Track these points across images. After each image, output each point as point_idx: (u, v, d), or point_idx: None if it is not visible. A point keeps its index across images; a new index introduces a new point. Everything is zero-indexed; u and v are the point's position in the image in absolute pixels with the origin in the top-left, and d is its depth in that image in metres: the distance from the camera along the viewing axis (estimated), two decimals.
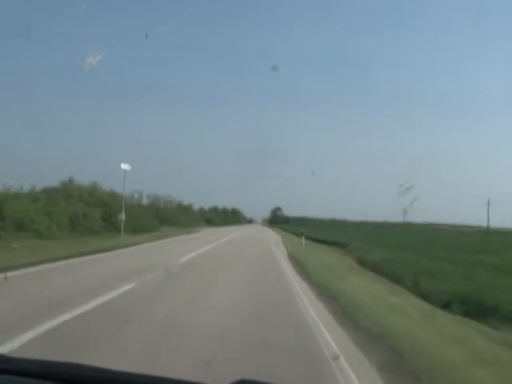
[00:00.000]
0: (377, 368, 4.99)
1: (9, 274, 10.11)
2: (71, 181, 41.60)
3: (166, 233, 43.54)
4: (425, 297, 10.36)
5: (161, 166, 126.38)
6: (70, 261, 14.59)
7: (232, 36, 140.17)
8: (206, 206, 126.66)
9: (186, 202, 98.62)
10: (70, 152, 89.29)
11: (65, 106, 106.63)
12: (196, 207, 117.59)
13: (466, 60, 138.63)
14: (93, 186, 44.38)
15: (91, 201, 38.78)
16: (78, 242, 24.94)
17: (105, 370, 1.72)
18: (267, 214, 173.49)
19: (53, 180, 40.93)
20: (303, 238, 29.69)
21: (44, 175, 63.33)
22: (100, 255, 17.24)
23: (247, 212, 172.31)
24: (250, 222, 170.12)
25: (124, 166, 25.75)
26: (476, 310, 8.57)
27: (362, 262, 18.19)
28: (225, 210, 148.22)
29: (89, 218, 35.90)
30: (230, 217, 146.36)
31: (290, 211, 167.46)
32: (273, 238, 44.21)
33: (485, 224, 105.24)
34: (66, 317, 6.54)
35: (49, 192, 34.72)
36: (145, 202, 79.86)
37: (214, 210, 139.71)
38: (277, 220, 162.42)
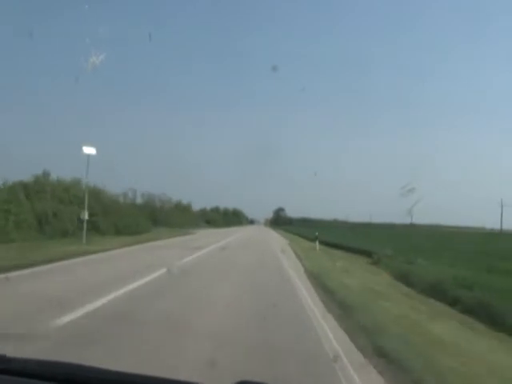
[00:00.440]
0: None
1: None
2: (46, 175, 36.11)
3: (154, 235, 38.07)
4: None
5: (163, 166, 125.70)
6: None
7: (232, 36, 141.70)
8: (208, 206, 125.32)
9: (184, 202, 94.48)
10: (69, 152, 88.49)
11: (65, 105, 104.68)
12: (197, 207, 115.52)
13: (466, 60, 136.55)
14: (76, 181, 39.10)
15: (65, 197, 33.30)
16: (32, 248, 19.40)
17: (104, 370, 1.71)
18: (269, 215, 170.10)
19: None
20: (317, 242, 24.06)
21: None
22: None
23: (249, 213, 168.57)
24: (252, 222, 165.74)
25: (87, 150, 20.01)
26: None
27: (406, 280, 12.65)
28: (226, 211, 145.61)
29: (60, 217, 30.50)
30: (231, 217, 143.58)
31: (291, 212, 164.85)
32: (278, 241, 38.53)
33: (489, 226, 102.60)
34: None
35: (12, 187, 29.09)
36: (139, 201, 75.54)
37: (216, 210, 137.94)
38: (279, 221, 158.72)
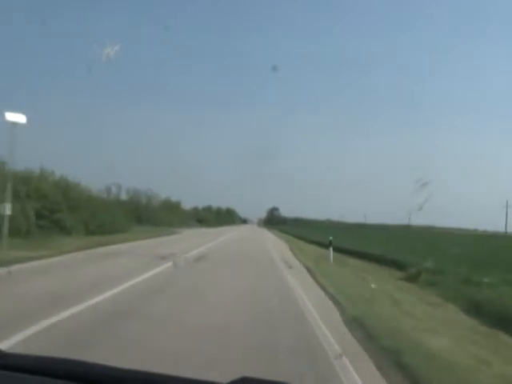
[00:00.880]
0: None
1: None
2: (2, 163, 30.59)
3: (130, 235, 32.68)
4: None
5: (158, 164, 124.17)
6: None
7: (232, 36, 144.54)
8: (203, 205, 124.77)
9: (174, 199, 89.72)
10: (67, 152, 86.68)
11: (64, 105, 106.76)
12: (190, 206, 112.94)
13: (466, 60, 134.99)
14: (44, 174, 33.71)
15: (21, 191, 27.82)
16: None
17: (103, 366, 1.69)
18: (263, 215, 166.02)
19: None
20: (331, 250, 17.87)
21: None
22: None
23: (242, 212, 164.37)
24: (245, 222, 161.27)
25: (11, 117, 14.04)
26: None
27: (505, 327, 7.45)
28: (219, 210, 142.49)
29: (12, 214, 25.07)
30: (223, 217, 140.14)
31: (285, 212, 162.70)
32: (276, 246, 31.68)
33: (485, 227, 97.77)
34: None
35: None
36: (124, 197, 70.29)
37: (208, 209, 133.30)
38: (273, 220, 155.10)
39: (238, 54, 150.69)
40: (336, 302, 8.86)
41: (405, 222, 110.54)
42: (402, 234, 67.20)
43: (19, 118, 14.20)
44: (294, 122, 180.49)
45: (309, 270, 15.13)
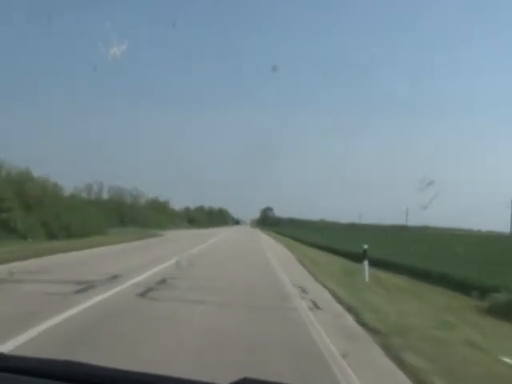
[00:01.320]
0: None
1: None
2: None
3: (100, 239, 27.39)
4: None
5: (156, 164, 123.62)
6: None
7: (232, 36, 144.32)
8: (195, 205, 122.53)
9: (165, 199, 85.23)
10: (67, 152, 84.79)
11: (65, 105, 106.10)
12: (183, 206, 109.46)
13: (466, 60, 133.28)
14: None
15: None
16: None
17: (104, 368, 1.65)
18: (256, 215, 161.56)
19: None
20: (366, 265, 11.71)
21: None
22: None
23: (235, 212, 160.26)
24: (238, 223, 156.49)
25: None
26: None
27: None
28: (211, 210, 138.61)
29: None
30: (215, 217, 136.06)
31: (279, 212, 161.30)
32: (276, 253, 23.69)
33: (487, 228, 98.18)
34: None
35: None
36: (105, 196, 65.15)
37: (200, 209, 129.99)
38: (267, 221, 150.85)
39: (237, 53, 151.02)
40: None
41: (401, 222, 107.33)
42: (406, 235, 62.58)
43: None
44: (293, 122, 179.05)
45: (356, 313, 7.70)
